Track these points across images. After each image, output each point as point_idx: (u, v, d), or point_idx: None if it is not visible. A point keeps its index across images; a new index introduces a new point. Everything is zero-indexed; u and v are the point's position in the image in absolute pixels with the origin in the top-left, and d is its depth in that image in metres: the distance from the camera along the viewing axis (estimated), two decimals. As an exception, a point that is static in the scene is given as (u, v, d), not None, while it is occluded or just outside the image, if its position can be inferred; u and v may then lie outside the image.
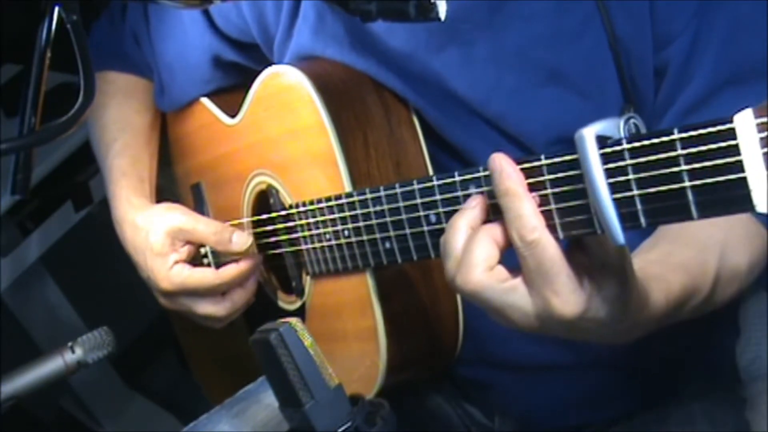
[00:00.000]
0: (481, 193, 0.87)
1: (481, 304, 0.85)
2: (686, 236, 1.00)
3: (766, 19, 1.01)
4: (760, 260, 1.05)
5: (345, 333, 1.18)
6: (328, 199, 1.11)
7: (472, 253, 0.83)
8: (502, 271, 0.83)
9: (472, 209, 0.85)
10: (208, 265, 1.39)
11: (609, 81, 1.06)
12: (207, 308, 1.28)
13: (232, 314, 1.29)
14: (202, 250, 1.39)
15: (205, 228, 1.25)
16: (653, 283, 0.88)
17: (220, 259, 1.37)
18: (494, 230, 0.83)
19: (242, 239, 1.24)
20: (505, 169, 0.80)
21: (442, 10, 0.86)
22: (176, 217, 1.27)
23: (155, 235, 1.26)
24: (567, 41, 1.06)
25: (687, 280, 0.94)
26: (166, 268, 1.25)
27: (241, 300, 1.28)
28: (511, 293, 0.82)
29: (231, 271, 1.24)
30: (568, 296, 0.79)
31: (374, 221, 1.04)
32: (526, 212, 0.79)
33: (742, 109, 0.66)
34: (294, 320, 0.84)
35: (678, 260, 0.96)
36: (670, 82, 1.05)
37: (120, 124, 1.42)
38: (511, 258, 0.84)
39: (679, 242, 0.99)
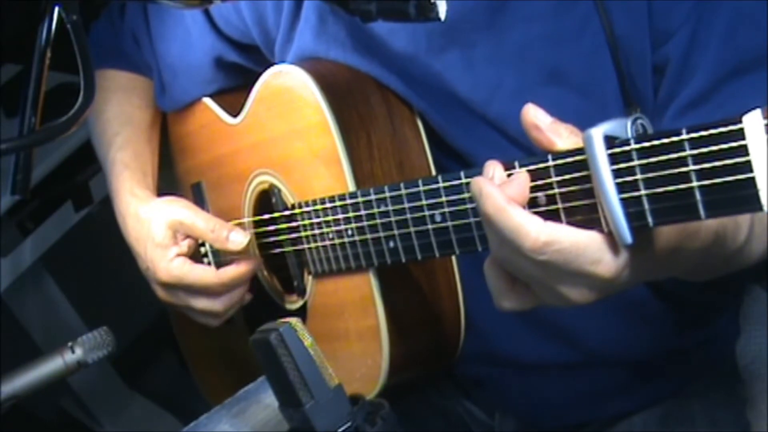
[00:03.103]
0: None
1: (543, 271, 0.81)
2: None
3: (763, 9, 1.00)
4: None
5: (347, 332, 1.18)
6: (332, 199, 1.11)
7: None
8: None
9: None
10: (208, 264, 1.39)
11: (608, 80, 1.06)
12: (204, 303, 1.28)
13: (229, 310, 1.29)
14: (202, 250, 1.38)
15: (204, 224, 1.25)
16: None
17: (221, 259, 1.37)
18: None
19: (239, 238, 1.24)
20: (484, 190, 0.79)
21: (442, 10, 0.85)
22: (178, 210, 1.28)
23: (157, 226, 1.27)
24: (567, 41, 1.06)
25: None
26: (167, 260, 1.26)
27: (239, 296, 1.29)
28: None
29: (230, 273, 1.25)
30: (610, 260, 0.77)
31: (378, 221, 1.04)
32: (522, 221, 0.77)
33: (751, 110, 0.66)
34: (294, 320, 0.84)
35: None
36: (671, 77, 1.05)
37: (121, 120, 1.42)
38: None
39: None
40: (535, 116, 0.81)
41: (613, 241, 0.77)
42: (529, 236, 0.77)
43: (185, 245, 1.27)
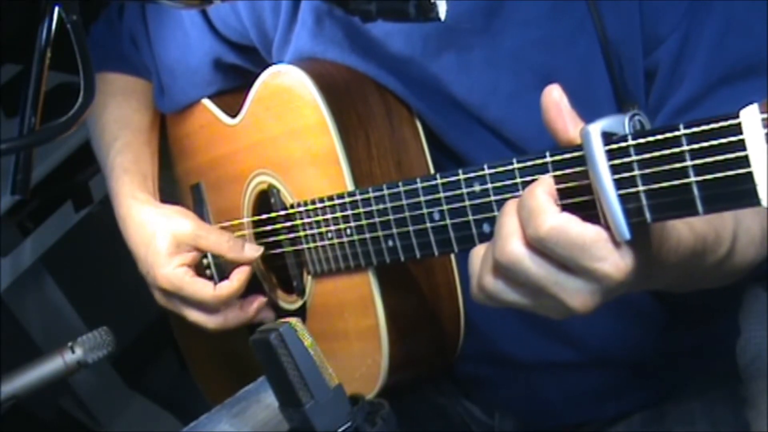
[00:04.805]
0: (486, 191, 0.86)
1: (523, 282, 0.81)
2: None
3: (757, 18, 1.01)
4: None
5: (346, 332, 1.18)
6: (331, 198, 1.11)
7: (502, 226, 0.79)
8: None
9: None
10: (207, 265, 1.39)
11: (602, 84, 1.06)
12: (198, 317, 1.29)
13: (222, 329, 1.29)
14: (205, 261, 1.38)
15: (217, 237, 1.26)
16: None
17: (220, 260, 1.37)
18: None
19: (254, 248, 1.26)
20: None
21: (442, 10, 0.86)
22: (187, 224, 1.27)
23: (162, 236, 1.26)
24: (562, 45, 1.07)
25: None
26: (169, 267, 1.26)
27: (234, 320, 1.29)
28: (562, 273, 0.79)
29: (226, 290, 1.25)
30: (615, 259, 0.76)
31: (377, 219, 1.04)
32: (542, 202, 0.76)
33: (745, 106, 0.66)
34: (294, 320, 0.84)
35: None
36: (660, 83, 1.06)
37: (120, 123, 1.42)
38: None
39: None
40: (560, 98, 0.79)
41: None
42: (545, 221, 0.76)
43: (189, 256, 1.27)
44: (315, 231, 1.16)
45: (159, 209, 1.31)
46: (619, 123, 0.75)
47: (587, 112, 1.05)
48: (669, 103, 1.05)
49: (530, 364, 1.22)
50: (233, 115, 1.32)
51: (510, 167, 0.83)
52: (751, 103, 0.66)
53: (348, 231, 1.10)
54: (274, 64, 1.24)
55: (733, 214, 0.97)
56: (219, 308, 1.27)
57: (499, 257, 0.80)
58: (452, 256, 1.15)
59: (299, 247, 1.21)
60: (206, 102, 1.39)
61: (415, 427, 1.31)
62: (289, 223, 1.22)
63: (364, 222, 1.06)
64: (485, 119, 1.11)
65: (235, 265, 1.27)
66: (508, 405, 1.29)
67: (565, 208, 0.78)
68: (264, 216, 1.28)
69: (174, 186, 1.50)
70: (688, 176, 0.69)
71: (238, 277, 1.25)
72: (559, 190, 0.79)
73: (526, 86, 1.08)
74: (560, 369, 1.22)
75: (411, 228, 0.99)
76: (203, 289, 1.25)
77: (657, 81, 1.05)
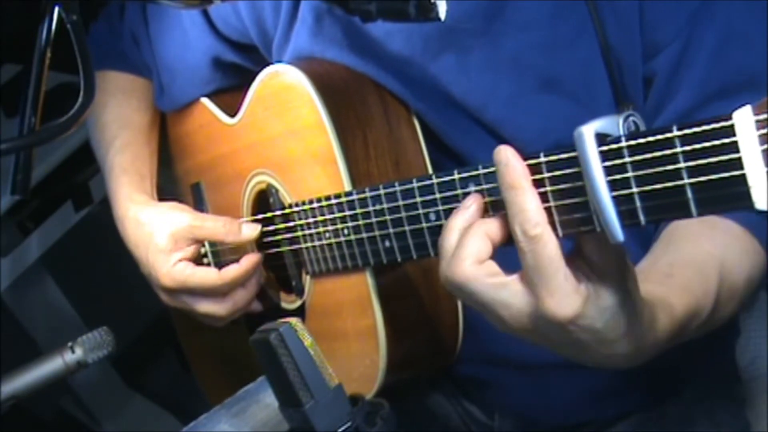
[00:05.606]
0: (480, 192, 0.86)
1: (470, 299, 0.83)
2: (685, 257, 0.98)
3: (757, 33, 1.01)
4: (757, 277, 1.04)
5: (345, 332, 1.18)
6: (328, 198, 1.11)
7: (463, 247, 0.81)
8: (492, 265, 0.81)
9: (467, 209, 0.84)
10: (208, 264, 1.39)
11: (601, 88, 1.06)
12: (208, 307, 1.28)
13: (234, 314, 1.29)
14: (202, 250, 1.39)
15: (213, 223, 1.26)
16: (657, 305, 0.86)
17: (220, 259, 1.37)
18: (489, 226, 0.82)
19: (251, 228, 1.25)
20: (511, 162, 0.78)
21: (442, 10, 0.86)
22: (183, 217, 1.28)
23: (160, 233, 1.26)
24: (562, 48, 1.07)
25: (690, 301, 0.92)
26: (169, 265, 1.26)
27: (243, 300, 1.28)
28: (501, 289, 0.80)
29: (233, 272, 1.25)
30: (562, 298, 0.77)
31: (374, 220, 1.04)
32: (530, 207, 0.77)
33: (741, 106, 0.66)
34: (294, 320, 0.84)
35: (680, 282, 0.94)
36: (657, 92, 1.06)
37: (120, 123, 1.43)
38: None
39: (678, 263, 0.97)
40: None
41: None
42: (530, 222, 0.77)
43: (189, 250, 1.27)
44: (313, 231, 1.16)
45: (155, 208, 1.31)
46: (614, 124, 0.75)
47: (587, 114, 1.05)
48: (665, 112, 1.05)
49: (530, 365, 1.21)
50: (232, 115, 1.32)
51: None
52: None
53: (345, 231, 1.10)
54: (274, 63, 1.25)
55: (720, 272, 0.97)
56: (226, 293, 1.27)
57: (450, 276, 0.82)
58: (450, 257, 1.15)
59: (297, 246, 1.21)
60: (205, 101, 1.39)
61: (415, 428, 1.31)
62: (287, 223, 1.22)
63: (361, 222, 1.07)
64: (484, 120, 1.11)
65: (234, 253, 1.27)
66: (507, 406, 1.29)
67: (558, 209, 0.78)
68: (262, 216, 1.28)
69: (174, 185, 1.50)
70: (681, 178, 0.69)
71: (247, 260, 1.25)
72: (552, 191, 0.79)
73: (525, 88, 1.09)
74: (560, 369, 1.21)
75: (407, 228, 0.99)
76: (207, 275, 1.25)
77: (653, 89, 1.05)
